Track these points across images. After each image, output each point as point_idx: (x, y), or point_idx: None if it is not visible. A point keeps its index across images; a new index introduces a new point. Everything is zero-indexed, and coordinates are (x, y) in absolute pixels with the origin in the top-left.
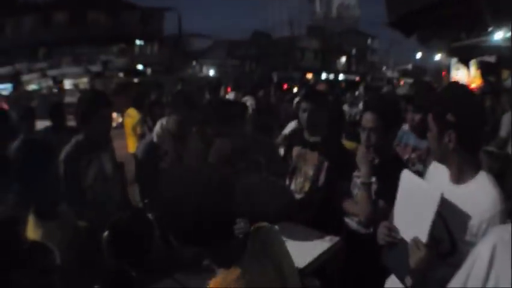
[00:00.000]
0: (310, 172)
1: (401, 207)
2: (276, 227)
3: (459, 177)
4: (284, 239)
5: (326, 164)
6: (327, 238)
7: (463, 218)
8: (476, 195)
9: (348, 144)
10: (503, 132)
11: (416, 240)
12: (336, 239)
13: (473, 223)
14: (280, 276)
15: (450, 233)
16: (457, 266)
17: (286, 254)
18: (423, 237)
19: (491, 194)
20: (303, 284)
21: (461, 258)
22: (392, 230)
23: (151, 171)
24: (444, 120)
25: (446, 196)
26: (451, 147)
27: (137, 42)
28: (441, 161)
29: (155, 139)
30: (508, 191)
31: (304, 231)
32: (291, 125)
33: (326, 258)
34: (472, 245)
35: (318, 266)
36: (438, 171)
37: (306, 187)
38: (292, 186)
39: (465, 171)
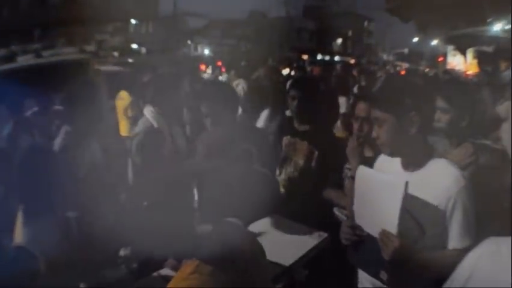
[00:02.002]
0: (301, 162)
1: (362, 203)
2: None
3: (414, 163)
4: (271, 234)
5: (316, 153)
6: (315, 234)
7: (427, 200)
8: (438, 175)
9: (340, 133)
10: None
11: (385, 233)
12: (324, 235)
13: (440, 202)
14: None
15: (416, 219)
16: (428, 250)
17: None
18: (393, 229)
19: (453, 172)
20: (290, 273)
21: (432, 242)
22: (356, 228)
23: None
24: (402, 105)
25: (406, 183)
26: (413, 131)
27: (132, 21)
28: (396, 151)
29: (155, 125)
30: (504, 185)
31: (292, 226)
32: (264, 114)
33: (314, 254)
34: (442, 225)
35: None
36: (386, 164)
37: (296, 177)
38: (283, 176)
39: (420, 156)
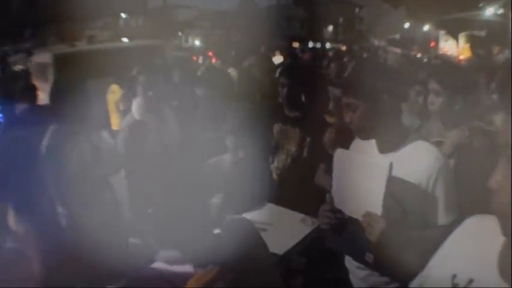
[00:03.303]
0: (293, 149)
1: (342, 186)
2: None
3: (390, 145)
4: (267, 222)
5: (307, 140)
6: (309, 221)
7: (408, 180)
8: (416, 155)
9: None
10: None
11: (370, 214)
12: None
13: (421, 181)
14: None
15: (398, 199)
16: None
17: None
18: (377, 210)
19: (431, 151)
20: (288, 262)
21: (416, 221)
22: (336, 211)
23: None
24: (373, 89)
25: (387, 165)
26: (386, 114)
27: (122, 15)
28: (371, 135)
29: (137, 117)
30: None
31: (287, 214)
32: None
33: (308, 241)
34: (424, 204)
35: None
36: (362, 148)
37: (289, 164)
38: (275, 164)
39: (396, 138)
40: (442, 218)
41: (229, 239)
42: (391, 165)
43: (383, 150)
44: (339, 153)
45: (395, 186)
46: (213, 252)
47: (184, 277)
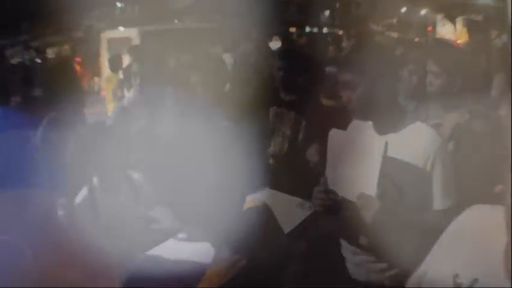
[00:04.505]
0: (288, 132)
1: (336, 167)
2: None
3: (388, 126)
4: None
5: (303, 123)
6: (307, 206)
7: (405, 160)
8: (414, 136)
9: (327, 102)
10: (494, 92)
11: (364, 196)
12: None
13: (418, 162)
14: None
15: (395, 181)
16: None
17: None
18: (372, 191)
19: (429, 132)
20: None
21: (413, 204)
22: (330, 192)
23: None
24: (374, 68)
25: (384, 145)
26: (386, 94)
27: (118, 4)
28: (368, 115)
29: (125, 104)
30: (495, 152)
31: (283, 199)
32: None
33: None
34: (421, 186)
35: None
36: (358, 129)
37: (285, 148)
38: (271, 148)
39: (395, 119)
40: (439, 202)
41: (248, 226)
42: (386, 144)
43: (380, 131)
44: (333, 134)
45: (391, 166)
46: (233, 233)
47: (196, 276)
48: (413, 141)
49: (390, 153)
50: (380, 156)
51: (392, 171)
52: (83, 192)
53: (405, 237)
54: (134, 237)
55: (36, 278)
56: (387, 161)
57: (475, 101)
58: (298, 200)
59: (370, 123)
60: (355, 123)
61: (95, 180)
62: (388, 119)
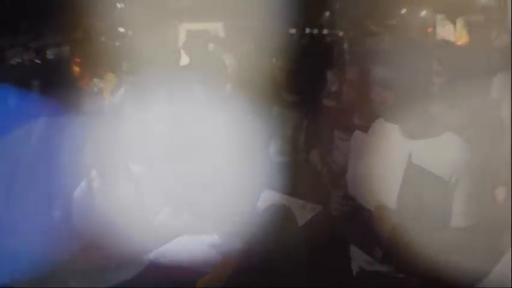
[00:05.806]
0: (289, 133)
1: (357, 171)
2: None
3: (417, 131)
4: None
5: (305, 123)
6: (309, 207)
7: (430, 170)
8: (443, 146)
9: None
10: (494, 93)
11: (381, 208)
12: (319, 207)
13: (444, 174)
14: None
15: (417, 190)
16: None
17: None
18: (392, 201)
19: (460, 144)
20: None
21: (433, 219)
22: (349, 198)
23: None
24: (414, 67)
25: (409, 152)
26: (421, 97)
27: (118, 5)
28: (401, 118)
29: (119, 100)
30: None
31: (286, 200)
32: None
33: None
34: (444, 200)
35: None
36: (384, 131)
37: (287, 148)
38: (273, 148)
39: (425, 124)
40: (459, 221)
41: (265, 224)
42: (412, 151)
43: (408, 135)
44: (357, 135)
45: (414, 174)
46: (246, 230)
47: (205, 268)
48: (442, 152)
49: (415, 160)
50: (405, 162)
51: (415, 179)
52: (82, 187)
53: (422, 253)
54: (137, 232)
55: None
56: (411, 168)
57: (478, 100)
58: (300, 201)
59: (397, 126)
60: (379, 125)
61: (93, 173)
62: (417, 124)
